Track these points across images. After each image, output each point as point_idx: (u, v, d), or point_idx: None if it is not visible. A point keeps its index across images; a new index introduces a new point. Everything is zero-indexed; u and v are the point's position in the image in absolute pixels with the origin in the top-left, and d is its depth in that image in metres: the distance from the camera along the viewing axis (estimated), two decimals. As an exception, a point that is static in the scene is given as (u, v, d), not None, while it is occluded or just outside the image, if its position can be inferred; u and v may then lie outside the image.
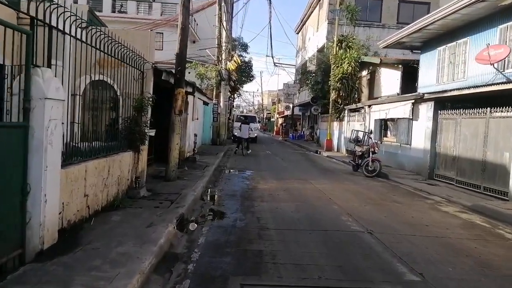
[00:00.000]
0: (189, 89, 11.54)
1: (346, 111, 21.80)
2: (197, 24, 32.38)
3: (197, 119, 14.25)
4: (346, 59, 21.77)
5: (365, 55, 22.44)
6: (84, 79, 5.99)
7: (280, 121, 58.46)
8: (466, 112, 10.85)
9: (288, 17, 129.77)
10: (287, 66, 45.46)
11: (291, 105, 44.41)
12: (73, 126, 5.99)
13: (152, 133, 9.43)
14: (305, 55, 37.01)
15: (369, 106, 18.05)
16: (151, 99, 7.38)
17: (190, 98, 13.27)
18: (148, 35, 8.23)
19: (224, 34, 22.34)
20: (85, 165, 4.91)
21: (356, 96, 22.36)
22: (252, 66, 41.42)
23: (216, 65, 21.78)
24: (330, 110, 23.40)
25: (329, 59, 26.06)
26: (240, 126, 18.56)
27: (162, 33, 27.77)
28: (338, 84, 21.76)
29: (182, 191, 7.62)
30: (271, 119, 78.64)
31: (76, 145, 5.47)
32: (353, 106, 20.88)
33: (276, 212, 6.81)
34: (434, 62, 15.60)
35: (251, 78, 43.34)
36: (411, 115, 13.70)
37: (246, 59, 41.03)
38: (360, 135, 15.11)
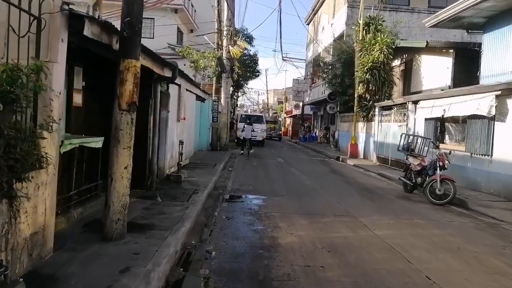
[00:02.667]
0: (167, 73, 7.40)
1: (376, 109, 17.56)
2: (195, 11, 28.28)
3: (184, 119, 10.09)
4: (377, 44, 17.52)
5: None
6: None
7: (288, 121, 54.22)
8: None
9: (296, 10, 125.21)
10: (296, 61, 41.30)
11: (301, 104, 40.17)
12: None
13: (97, 143, 5.34)
14: (318, 47, 32.80)
15: (415, 102, 13.77)
16: (39, 71, 3.21)
17: (173, 88, 9.12)
18: None
19: (225, 11, 18.14)
20: None
21: (387, 90, 18.11)
22: (257, 60, 37.23)
23: (216, 50, 17.53)
24: (355, 108, 19.15)
25: (351, 47, 21.88)
26: (244, 127, 19.02)
27: (153, 18, 23.71)
28: (367, 76, 17.51)
29: (119, 279, 3.45)
30: (278, 119, 74.51)
31: None
32: (388, 102, 16.61)
33: None
34: (506, 42, 11.48)
35: (257, 74, 39.13)
36: (491, 112, 9.45)
37: (251, 53, 36.98)
38: (416, 141, 10.89)
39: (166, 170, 8.81)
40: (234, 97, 46.75)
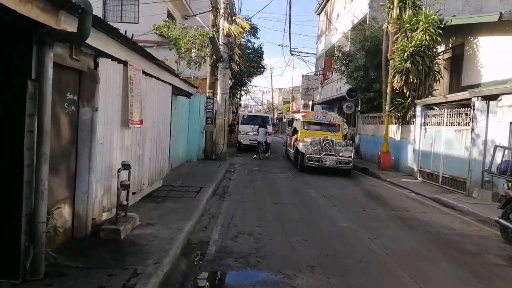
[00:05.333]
0: (67, 25, 3.34)
1: (418, 108, 13.40)
2: (190, -7, 24.19)
3: (141, 123, 5.92)
4: (421, 23, 13.39)
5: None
6: None
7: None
8: None
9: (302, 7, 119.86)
10: (306, 56, 37.17)
11: (310, 103, 36.05)
12: None
13: None
14: (332, 37, 28.69)
15: (488, 97, 9.62)
16: None
17: (113, 69, 5.05)
18: None
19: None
20: None
21: (431, 83, 14.01)
22: (262, 54, 33.18)
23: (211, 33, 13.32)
24: (387, 107, 15.00)
25: (377, 32, 17.90)
26: (258, 129, 18.30)
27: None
28: (407, 64, 13.36)
29: None
30: (283, 120, 70.36)
31: None
32: (437, 99, 12.49)
33: None
34: None
35: (261, 70, 35.06)
36: None
37: (256, 46, 32.96)
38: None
39: (92, 217, 4.73)
40: (236, 96, 42.75)
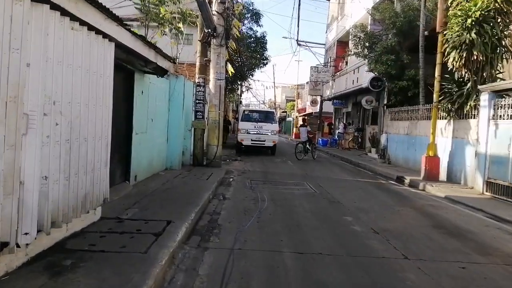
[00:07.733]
0: None
1: (484, 96, 9.68)
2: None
3: None
4: (487, -21, 9.71)
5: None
6: None
7: (301, 120, 46.27)
8: None
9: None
10: (314, 46, 33.46)
11: (319, 98, 32.35)
12: None
13: None
14: (345, 23, 25.04)
15: None
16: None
17: None
18: None
19: None
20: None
21: (500, 62, 10.34)
22: (266, 43, 29.47)
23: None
24: (434, 95, 11.32)
25: (412, 6, 14.37)
26: (299, 129, 18.67)
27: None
28: (470, 35, 9.66)
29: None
30: (287, 119, 66.45)
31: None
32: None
33: None
34: None
35: (265, 61, 31.36)
36: None
37: (258, 34, 29.38)
38: None
39: None
40: (237, 92, 39.06)
